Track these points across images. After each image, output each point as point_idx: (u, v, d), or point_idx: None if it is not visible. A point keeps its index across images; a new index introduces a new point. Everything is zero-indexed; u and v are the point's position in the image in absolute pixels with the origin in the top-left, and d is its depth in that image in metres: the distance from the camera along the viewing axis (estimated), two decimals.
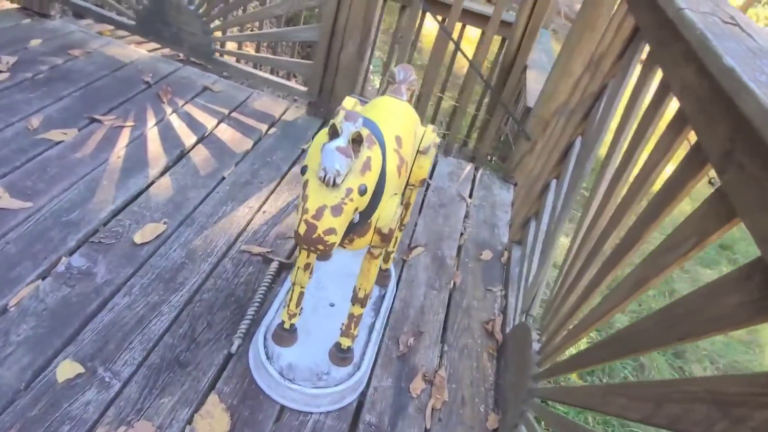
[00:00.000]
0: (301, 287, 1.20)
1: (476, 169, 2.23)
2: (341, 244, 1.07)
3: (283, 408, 1.18)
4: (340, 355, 1.24)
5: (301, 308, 1.23)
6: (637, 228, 0.99)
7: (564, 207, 1.43)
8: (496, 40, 2.45)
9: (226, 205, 1.64)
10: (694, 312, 0.75)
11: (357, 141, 0.79)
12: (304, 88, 2.16)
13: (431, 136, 1.22)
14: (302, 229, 0.80)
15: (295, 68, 2.42)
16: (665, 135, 1.01)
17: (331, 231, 0.80)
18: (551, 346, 1.20)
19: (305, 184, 0.82)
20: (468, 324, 1.54)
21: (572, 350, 1.19)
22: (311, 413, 1.19)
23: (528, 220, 1.83)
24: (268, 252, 1.52)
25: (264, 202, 1.70)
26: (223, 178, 1.74)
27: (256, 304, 1.36)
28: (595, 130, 1.41)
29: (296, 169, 1.88)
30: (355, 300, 1.19)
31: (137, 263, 1.38)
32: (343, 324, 1.23)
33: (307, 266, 1.18)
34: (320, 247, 0.81)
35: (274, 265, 1.48)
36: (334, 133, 0.79)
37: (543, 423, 1.35)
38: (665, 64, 1.03)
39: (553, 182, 1.69)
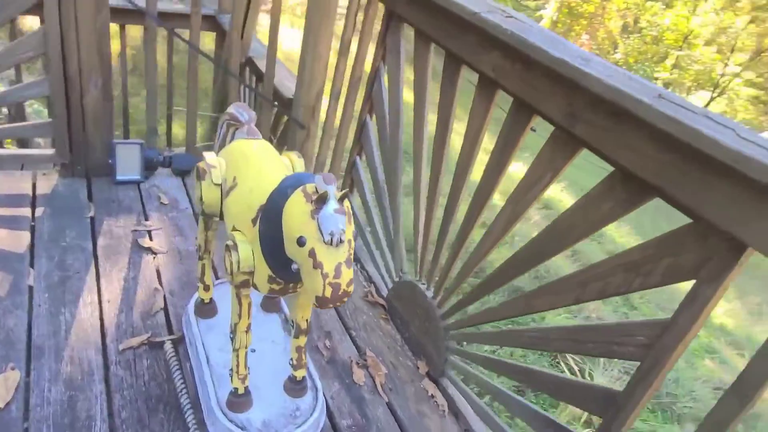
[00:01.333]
0: (245, 348, 1.19)
1: None
2: (290, 291, 1.12)
3: None
4: (298, 386, 1.30)
5: (248, 368, 1.23)
6: (489, 175, 1.31)
7: (391, 174, 1.68)
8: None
9: (62, 315, 1.39)
10: (579, 220, 1.10)
11: (343, 198, 0.86)
12: (51, 151, 1.84)
13: (300, 161, 1.29)
14: (328, 292, 0.86)
15: (33, 132, 2.00)
16: (478, 102, 1.33)
17: (351, 282, 0.87)
18: (447, 288, 1.49)
19: (310, 252, 0.86)
20: (354, 305, 1.71)
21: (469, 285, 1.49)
22: None
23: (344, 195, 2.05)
24: (149, 337, 1.39)
25: (100, 291, 1.49)
26: (31, 288, 1.45)
27: (184, 391, 1.27)
28: (391, 109, 1.67)
29: (105, 240, 1.66)
30: (299, 332, 1.24)
31: (19, 428, 1.12)
32: (292, 359, 1.28)
33: (248, 327, 1.17)
34: (345, 299, 0.88)
35: (167, 346, 1.37)
36: (323, 199, 0.85)
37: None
38: (451, 47, 1.33)
39: (357, 158, 1.92)
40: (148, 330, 1.41)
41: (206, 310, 1.43)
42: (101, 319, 1.41)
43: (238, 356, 1.20)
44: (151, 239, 1.72)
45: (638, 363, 1.00)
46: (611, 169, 1.02)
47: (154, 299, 1.51)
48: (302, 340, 1.26)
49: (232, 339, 1.19)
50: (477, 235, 1.39)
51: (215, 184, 1.16)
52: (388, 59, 1.70)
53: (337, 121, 2.05)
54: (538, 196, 1.20)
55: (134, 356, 1.34)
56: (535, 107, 1.15)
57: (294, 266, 0.90)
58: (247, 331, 1.17)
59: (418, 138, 1.56)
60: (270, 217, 0.99)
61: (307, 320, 1.24)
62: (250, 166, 1.16)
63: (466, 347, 1.50)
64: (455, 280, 1.46)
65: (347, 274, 0.87)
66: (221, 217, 1.21)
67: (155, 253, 1.67)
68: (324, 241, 0.84)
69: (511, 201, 1.26)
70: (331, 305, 0.87)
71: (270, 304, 1.52)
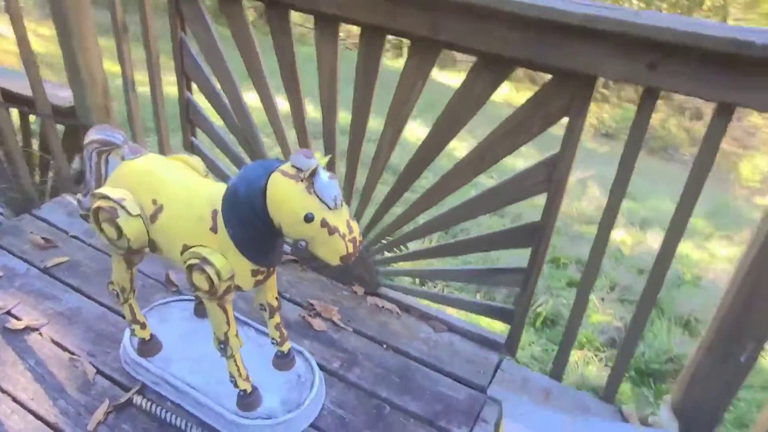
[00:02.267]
0: (238, 351, 1.20)
1: None
2: (269, 276, 1.15)
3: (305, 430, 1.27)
4: (289, 358, 1.35)
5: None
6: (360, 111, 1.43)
7: (251, 140, 1.68)
8: None
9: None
10: (459, 108, 1.31)
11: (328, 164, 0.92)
12: None
13: (196, 160, 1.23)
14: (351, 248, 0.92)
15: None
16: (324, 44, 1.40)
17: (357, 229, 0.95)
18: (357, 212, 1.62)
19: (322, 223, 0.90)
20: None
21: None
22: (324, 407, 1.33)
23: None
24: (111, 403, 1.26)
25: (14, 397, 1.26)
26: None
27: (189, 425, 1.23)
28: (221, 77, 1.62)
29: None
30: (274, 311, 1.28)
31: None
32: (274, 338, 1.31)
33: (236, 331, 1.17)
34: (359, 248, 0.96)
35: (137, 399, 1.27)
36: (314, 172, 0.89)
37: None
38: None
39: (194, 140, 1.83)
40: (100, 399, 1.28)
41: (152, 346, 1.34)
42: (42, 419, 1.23)
43: (235, 361, 1.20)
44: (18, 318, 1.46)
45: (545, 194, 1.31)
46: None
47: (79, 370, 1.34)
48: (278, 317, 1.30)
49: (222, 349, 1.18)
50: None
51: (134, 216, 1.08)
52: (190, 26, 1.61)
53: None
54: (414, 106, 1.38)
55: (112, 428, 1.22)
56: (389, 27, 1.28)
57: (301, 243, 0.95)
58: (236, 335, 1.17)
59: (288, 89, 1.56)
60: (241, 214, 0.99)
61: (276, 297, 1.28)
62: (167, 181, 1.10)
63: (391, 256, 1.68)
64: (359, 205, 1.60)
65: (354, 225, 0.95)
66: (151, 247, 1.13)
67: (37, 329, 1.44)
68: (330, 208, 0.91)
69: (390, 121, 1.42)
70: (353, 257, 0.96)
71: (203, 311, 1.48)
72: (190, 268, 1.05)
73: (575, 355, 2.42)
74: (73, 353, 1.39)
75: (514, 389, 1.45)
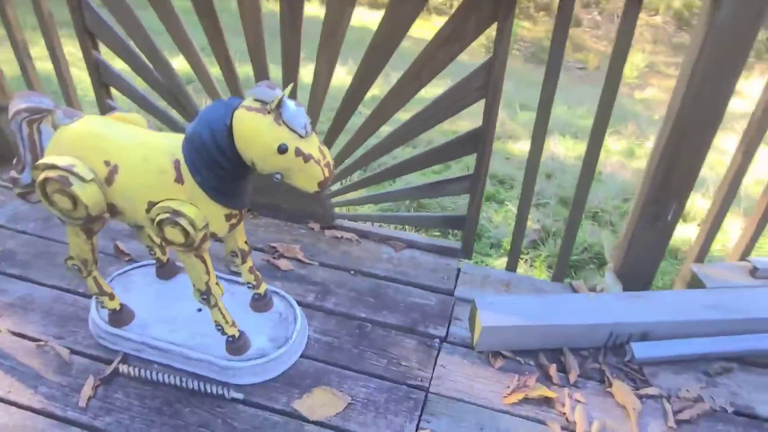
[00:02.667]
0: (220, 298, 1.21)
1: None
2: (242, 218, 1.15)
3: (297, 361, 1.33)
4: (267, 299, 1.38)
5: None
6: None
7: (180, 96, 1.60)
8: None
9: None
10: (390, 26, 1.33)
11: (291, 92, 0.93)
12: None
13: (138, 117, 1.17)
14: (327, 172, 0.94)
15: None
16: None
17: (331, 158, 0.98)
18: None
19: (296, 152, 0.91)
20: None
21: None
22: (310, 337, 1.39)
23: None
24: (98, 377, 1.24)
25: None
26: None
27: (185, 379, 1.24)
28: (133, 33, 1.52)
29: None
30: (246, 255, 1.29)
31: None
32: (250, 282, 1.33)
33: (217, 281, 1.18)
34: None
35: (123, 368, 1.26)
36: (281, 103, 0.89)
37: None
38: None
39: (110, 102, 1.71)
40: (83, 377, 1.25)
41: (124, 316, 1.32)
42: (27, 408, 1.19)
43: (220, 309, 1.21)
44: None
45: (483, 100, 1.39)
46: None
47: (50, 354, 1.30)
48: (250, 261, 1.31)
49: (205, 300, 1.19)
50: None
51: (88, 181, 1.03)
52: None
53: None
54: (344, 33, 1.38)
55: (104, 400, 1.21)
56: None
57: (277, 176, 0.96)
58: (217, 283, 1.18)
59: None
60: (208, 158, 0.98)
61: (246, 242, 1.28)
62: (115, 139, 1.05)
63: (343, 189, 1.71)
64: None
65: (325, 150, 0.97)
66: (111, 212, 1.10)
67: None
68: (301, 137, 0.92)
69: (322, 50, 1.41)
70: (329, 182, 0.99)
71: (165, 272, 1.46)
72: (161, 224, 1.04)
73: (503, 261, 2.60)
74: (38, 340, 1.33)
75: (477, 287, 1.58)
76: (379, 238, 1.72)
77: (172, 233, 1.04)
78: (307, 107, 1.52)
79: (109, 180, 1.05)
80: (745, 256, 1.56)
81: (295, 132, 0.92)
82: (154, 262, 1.46)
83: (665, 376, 1.34)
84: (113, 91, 1.71)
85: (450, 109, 1.41)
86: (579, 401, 1.26)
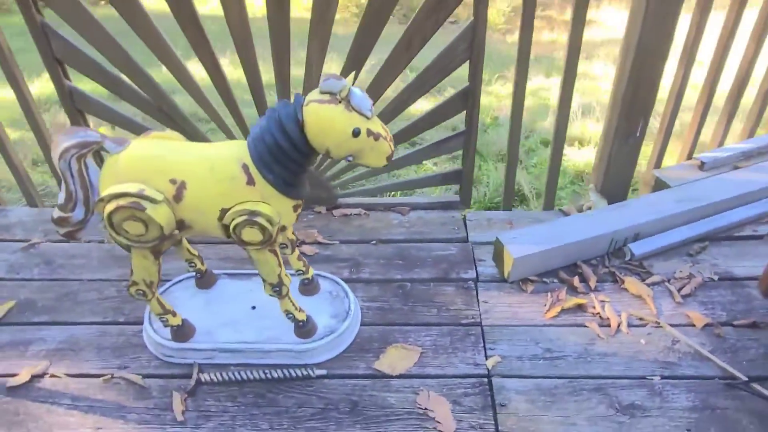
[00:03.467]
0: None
1: None
2: None
3: (360, 330, 1.44)
4: (315, 283, 1.46)
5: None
6: None
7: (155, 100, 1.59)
8: None
9: None
10: (429, 13, 1.43)
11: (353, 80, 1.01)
12: None
13: (175, 133, 1.19)
14: (392, 146, 1.05)
15: None
16: None
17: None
18: None
19: (368, 132, 1.00)
20: None
21: None
22: (362, 307, 1.49)
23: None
24: (185, 390, 1.28)
25: None
26: None
27: (267, 371, 1.31)
28: (107, 46, 1.48)
29: None
30: (294, 244, 1.36)
31: None
32: (299, 268, 1.41)
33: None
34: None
35: (204, 377, 1.30)
36: (348, 90, 0.97)
37: None
38: None
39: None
40: (167, 395, 1.28)
41: (187, 329, 1.35)
42: None
43: (289, 298, 1.29)
44: (12, 374, 1.33)
45: (467, 62, 1.53)
46: None
47: (122, 384, 1.31)
48: (297, 249, 1.39)
49: (277, 292, 1.26)
50: None
51: (160, 201, 1.06)
52: (50, 5, 1.42)
53: None
54: (335, 11, 1.45)
55: (198, 410, 1.25)
56: None
57: (349, 158, 1.05)
58: (286, 274, 1.25)
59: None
60: (281, 155, 1.04)
61: (293, 232, 1.36)
62: (173, 157, 1.08)
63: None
64: None
65: (386, 127, 1.07)
66: (180, 228, 1.13)
67: (45, 374, 1.33)
68: (368, 118, 1.01)
69: (314, 29, 1.47)
70: (393, 154, 1.09)
71: (206, 282, 1.49)
72: (239, 227, 1.09)
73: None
74: (102, 375, 1.33)
75: (485, 229, 1.75)
76: (384, 206, 1.83)
77: (250, 233, 1.10)
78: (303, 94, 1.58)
79: (177, 197, 1.08)
80: (690, 155, 1.86)
81: (363, 115, 1.01)
82: (193, 275, 1.48)
83: (659, 265, 1.60)
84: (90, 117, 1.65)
85: (441, 73, 1.54)
86: (604, 301, 1.48)
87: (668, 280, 1.54)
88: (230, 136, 1.67)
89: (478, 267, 1.61)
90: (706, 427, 1.20)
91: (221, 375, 1.30)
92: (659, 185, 1.79)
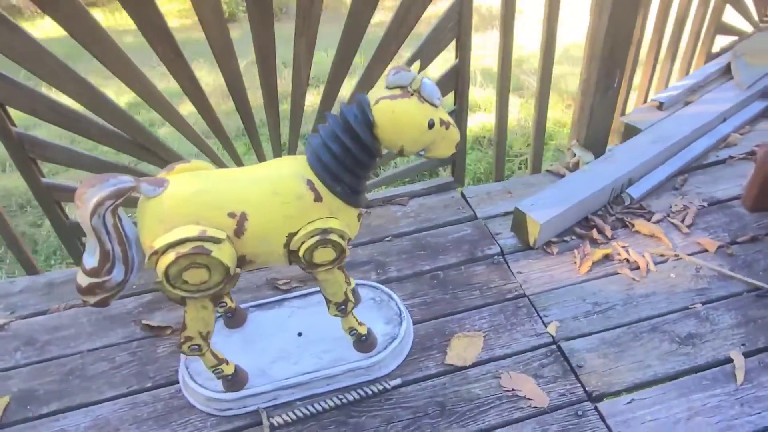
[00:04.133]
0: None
1: None
2: None
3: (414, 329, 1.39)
4: (356, 293, 1.37)
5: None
6: None
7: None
8: None
9: None
10: None
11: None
12: None
13: (203, 163, 1.04)
14: (459, 132, 1.00)
15: None
16: None
17: None
18: None
19: (440, 122, 0.94)
20: None
21: None
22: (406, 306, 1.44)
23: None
24: None
25: None
26: None
27: (337, 397, 1.22)
28: (62, 78, 1.26)
29: None
30: None
31: None
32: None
33: None
34: None
35: (275, 421, 1.18)
36: (418, 82, 0.90)
37: None
38: None
39: None
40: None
41: (241, 376, 1.22)
42: None
43: (353, 314, 1.21)
44: None
45: (454, 41, 1.51)
46: None
47: None
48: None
49: (342, 310, 1.18)
50: None
51: (224, 240, 0.93)
52: None
53: None
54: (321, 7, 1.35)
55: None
56: None
57: (421, 153, 0.98)
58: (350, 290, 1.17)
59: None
60: (351, 163, 0.96)
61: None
62: (228, 188, 0.96)
63: None
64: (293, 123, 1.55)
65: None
66: (241, 264, 1.00)
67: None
68: (437, 107, 0.96)
69: (300, 24, 1.37)
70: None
71: (237, 320, 1.35)
72: (310, 249, 0.99)
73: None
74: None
75: (487, 203, 1.76)
76: (383, 200, 1.77)
77: (323, 254, 1.01)
78: (291, 92, 1.47)
79: (238, 231, 0.96)
80: (646, 99, 2.00)
81: (433, 104, 0.95)
82: (219, 315, 1.34)
83: (655, 203, 1.71)
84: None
85: (432, 52, 1.50)
86: (624, 246, 1.56)
87: (668, 215, 1.65)
88: (220, 164, 1.52)
89: (498, 240, 1.62)
90: (756, 337, 1.31)
91: (294, 413, 1.19)
92: (629, 131, 1.91)
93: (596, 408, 1.19)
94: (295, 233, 0.99)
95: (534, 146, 1.83)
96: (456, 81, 1.58)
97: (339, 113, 0.96)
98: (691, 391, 1.21)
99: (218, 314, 1.35)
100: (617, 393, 1.22)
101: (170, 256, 0.90)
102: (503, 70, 1.63)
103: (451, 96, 1.64)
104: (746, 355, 1.27)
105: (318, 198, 0.98)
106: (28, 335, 1.42)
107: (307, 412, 1.20)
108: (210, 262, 0.93)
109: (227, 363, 1.18)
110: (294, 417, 1.19)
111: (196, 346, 1.09)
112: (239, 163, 1.57)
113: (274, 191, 0.96)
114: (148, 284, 1.53)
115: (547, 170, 1.87)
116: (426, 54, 1.50)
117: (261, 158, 1.55)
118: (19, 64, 1.22)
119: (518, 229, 1.60)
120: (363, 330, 1.24)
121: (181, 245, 0.90)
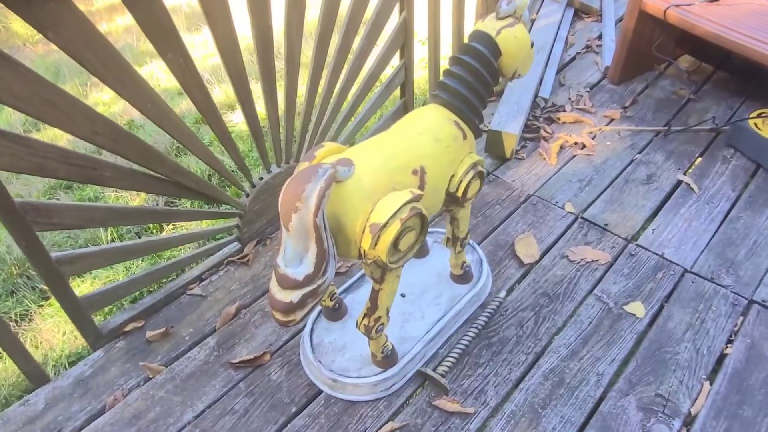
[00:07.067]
0: None
1: None
2: None
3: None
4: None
5: None
6: None
7: None
8: None
9: None
10: None
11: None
12: None
13: (336, 144, 0.99)
14: None
15: None
16: None
17: None
18: None
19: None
20: None
21: None
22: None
23: None
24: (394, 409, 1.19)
25: None
26: None
27: (464, 334, 1.31)
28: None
29: None
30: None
31: None
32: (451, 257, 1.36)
33: None
34: None
35: (443, 368, 1.22)
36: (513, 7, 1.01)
37: None
38: None
39: None
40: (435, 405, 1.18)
41: (393, 347, 1.21)
42: None
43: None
44: None
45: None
46: None
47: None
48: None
49: (464, 245, 1.26)
50: None
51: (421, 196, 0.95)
52: None
53: None
54: None
55: (473, 395, 1.20)
56: None
57: (518, 73, 1.11)
58: None
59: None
60: (484, 96, 1.05)
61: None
62: (400, 148, 0.98)
63: None
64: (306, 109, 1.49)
65: None
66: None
67: None
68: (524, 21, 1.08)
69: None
70: None
71: (338, 313, 1.31)
72: (468, 184, 1.06)
73: None
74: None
75: None
76: None
77: (474, 187, 1.09)
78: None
79: (421, 186, 0.98)
80: None
81: (526, 24, 1.08)
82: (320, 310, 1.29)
83: (555, 99, 2.09)
84: None
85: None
86: (566, 134, 1.91)
87: (573, 104, 2.06)
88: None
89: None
90: (681, 162, 1.78)
91: (450, 359, 1.25)
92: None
93: (638, 245, 1.52)
94: (454, 174, 1.05)
95: None
96: (404, 36, 1.70)
97: (468, 51, 1.03)
98: (676, 210, 1.62)
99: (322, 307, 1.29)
100: (641, 230, 1.57)
101: (395, 224, 0.89)
102: None
103: None
104: (686, 173, 1.73)
105: (465, 136, 1.05)
106: (124, 421, 1.15)
107: (459, 352, 1.27)
108: (416, 224, 0.94)
109: (387, 338, 1.17)
110: (452, 361, 1.25)
111: (382, 326, 1.07)
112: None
113: (436, 138, 1.00)
114: (198, 331, 1.35)
115: None
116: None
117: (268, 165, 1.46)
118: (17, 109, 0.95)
119: (493, 147, 1.82)
120: (468, 261, 1.34)
121: (399, 212, 0.89)
